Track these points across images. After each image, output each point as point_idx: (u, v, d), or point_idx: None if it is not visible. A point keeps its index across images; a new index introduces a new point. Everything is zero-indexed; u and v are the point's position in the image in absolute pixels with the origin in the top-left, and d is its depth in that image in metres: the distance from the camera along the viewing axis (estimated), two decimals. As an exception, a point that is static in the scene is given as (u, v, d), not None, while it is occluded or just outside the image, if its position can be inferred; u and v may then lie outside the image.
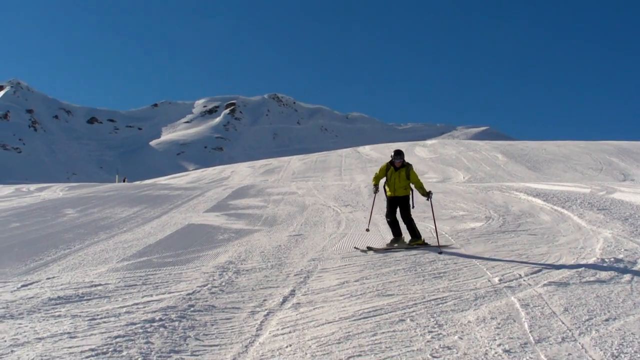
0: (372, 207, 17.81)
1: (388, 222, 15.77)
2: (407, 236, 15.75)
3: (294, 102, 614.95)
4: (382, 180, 16.13)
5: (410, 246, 15.14)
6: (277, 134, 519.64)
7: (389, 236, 16.23)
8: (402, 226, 15.71)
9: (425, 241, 15.57)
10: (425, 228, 17.90)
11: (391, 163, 15.58)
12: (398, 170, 15.44)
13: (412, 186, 15.72)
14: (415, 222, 15.99)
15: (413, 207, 15.66)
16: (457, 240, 15.56)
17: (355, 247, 15.27)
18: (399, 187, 15.46)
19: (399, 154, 15.51)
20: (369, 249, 14.92)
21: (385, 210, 16.03)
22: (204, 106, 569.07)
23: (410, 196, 15.72)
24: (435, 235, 16.11)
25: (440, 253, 14.16)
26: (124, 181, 68.37)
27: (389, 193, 15.68)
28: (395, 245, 15.27)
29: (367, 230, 16.97)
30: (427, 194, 15.36)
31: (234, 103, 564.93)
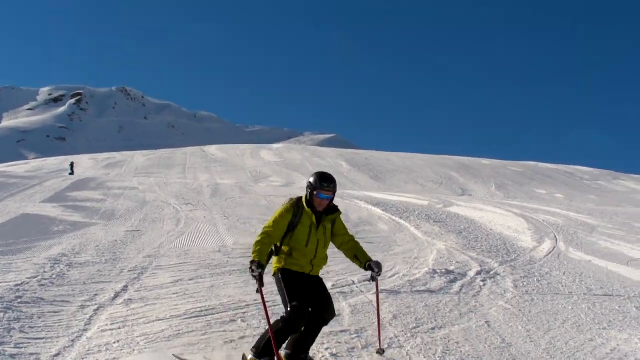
0: (269, 319, 7.17)
1: (290, 322, 6.92)
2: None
3: (143, 97, 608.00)
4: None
5: None
6: (123, 127, 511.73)
7: None
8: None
9: None
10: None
11: (307, 202, 7.43)
12: (323, 221, 7.47)
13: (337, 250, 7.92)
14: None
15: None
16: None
17: None
18: (322, 257, 7.57)
19: (330, 180, 7.44)
20: None
21: (285, 303, 7.17)
22: (49, 94, 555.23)
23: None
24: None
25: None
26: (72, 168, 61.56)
27: (297, 267, 7.37)
28: None
29: None
30: (374, 268, 7.54)
31: (81, 93, 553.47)
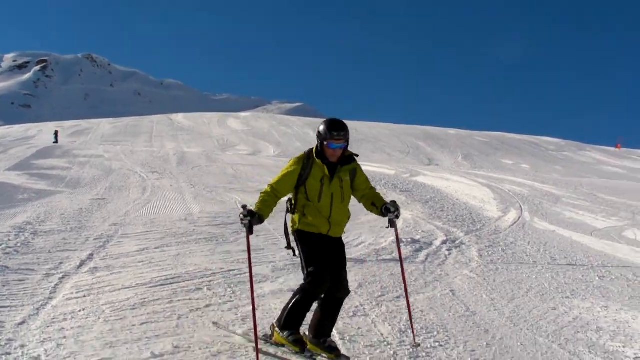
0: (251, 275, 6.78)
1: (308, 291, 6.56)
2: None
3: (109, 64, 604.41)
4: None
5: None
6: (89, 95, 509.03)
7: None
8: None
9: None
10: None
11: (318, 153, 6.73)
12: (338, 173, 6.75)
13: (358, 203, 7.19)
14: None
15: None
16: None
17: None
18: (340, 214, 6.84)
19: (340, 127, 6.62)
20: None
21: (303, 266, 6.64)
22: (14, 61, 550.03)
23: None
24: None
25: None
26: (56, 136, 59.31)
27: (312, 228, 6.74)
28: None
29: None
30: (392, 209, 6.78)
31: (46, 60, 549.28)
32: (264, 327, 7.20)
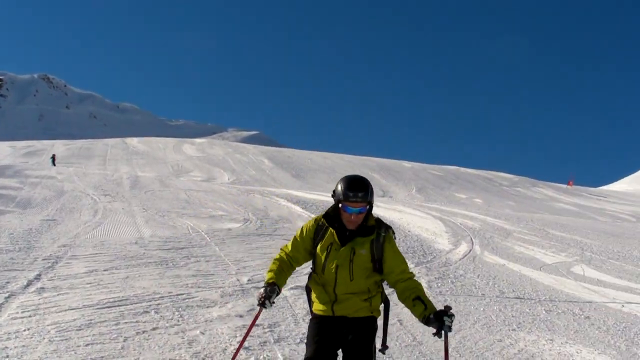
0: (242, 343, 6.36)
1: None
2: None
3: (65, 85, 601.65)
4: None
5: None
6: (43, 115, 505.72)
7: None
8: None
9: None
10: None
11: (328, 218, 5.50)
12: (353, 243, 5.38)
13: (388, 287, 5.74)
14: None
15: (385, 348, 5.86)
16: (212, 239, 15.48)
17: None
18: (348, 291, 5.39)
19: (357, 187, 5.27)
20: None
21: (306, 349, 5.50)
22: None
23: (382, 317, 5.79)
24: None
25: None
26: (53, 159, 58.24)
27: (319, 307, 5.53)
28: None
29: None
30: (440, 316, 5.27)
31: (1, 79, 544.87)
32: (210, 352, 7.22)
